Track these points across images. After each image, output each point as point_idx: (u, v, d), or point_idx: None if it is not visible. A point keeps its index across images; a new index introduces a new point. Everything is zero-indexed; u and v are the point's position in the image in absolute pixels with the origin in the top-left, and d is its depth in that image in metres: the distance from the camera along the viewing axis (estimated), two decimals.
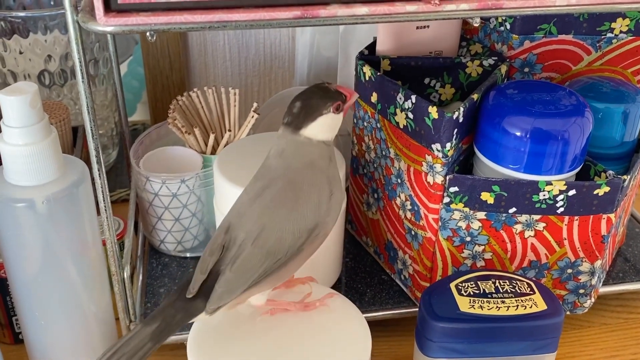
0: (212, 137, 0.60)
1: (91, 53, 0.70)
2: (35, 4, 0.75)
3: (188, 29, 0.41)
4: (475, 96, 0.51)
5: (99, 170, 0.47)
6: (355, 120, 0.60)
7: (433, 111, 0.49)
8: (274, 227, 0.42)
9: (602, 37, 0.56)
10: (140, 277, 0.60)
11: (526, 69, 0.57)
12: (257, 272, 0.42)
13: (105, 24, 0.40)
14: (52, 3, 0.76)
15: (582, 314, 0.61)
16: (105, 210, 0.48)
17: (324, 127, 0.44)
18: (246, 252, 0.42)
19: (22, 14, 0.66)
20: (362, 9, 0.42)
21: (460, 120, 0.49)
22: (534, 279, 0.52)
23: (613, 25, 0.55)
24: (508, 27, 0.56)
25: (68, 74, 0.71)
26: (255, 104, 0.63)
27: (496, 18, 0.57)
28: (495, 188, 0.50)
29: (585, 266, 0.54)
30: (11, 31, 0.67)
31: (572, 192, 0.50)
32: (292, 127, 0.44)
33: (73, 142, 0.67)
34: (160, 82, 0.78)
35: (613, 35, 0.56)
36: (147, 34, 0.41)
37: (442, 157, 0.49)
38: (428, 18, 0.44)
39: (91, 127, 0.45)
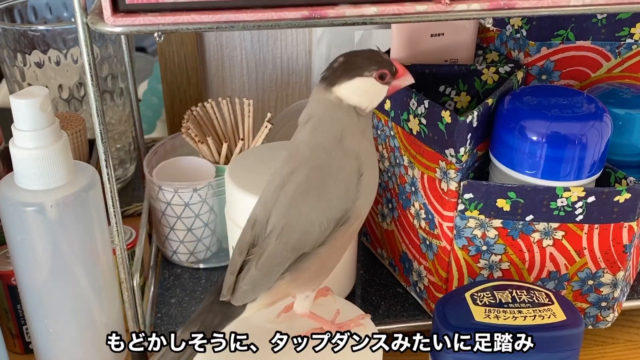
0: (225, 146, 0.60)
1: (109, 68, 0.71)
2: (56, 20, 0.76)
3: (196, 29, 0.41)
4: (490, 101, 0.50)
5: (108, 175, 0.47)
6: None
7: (446, 115, 0.48)
8: (299, 220, 0.40)
9: (622, 42, 0.55)
10: (152, 288, 0.60)
11: (543, 77, 0.56)
12: (283, 267, 0.41)
13: (113, 24, 0.40)
14: (72, 20, 0.77)
15: (605, 330, 0.58)
16: (115, 215, 0.48)
17: (360, 90, 0.41)
18: (270, 248, 0.40)
19: (41, 27, 0.67)
20: (370, 9, 0.42)
21: (474, 124, 0.48)
22: (553, 290, 0.50)
23: (632, 30, 0.54)
24: (524, 33, 0.55)
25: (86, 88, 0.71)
26: (269, 114, 0.63)
27: (512, 25, 0.56)
28: (511, 194, 0.48)
29: (607, 277, 0.52)
30: (31, 45, 0.68)
31: (591, 199, 0.48)
32: (326, 83, 0.41)
33: (89, 154, 0.68)
34: (177, 97, 0.79)
35: (633, 40, 0.55)
36: (155, 34, 0.41)
37: (456, 163, 0.48)
38: (439, 18, 0.43)
39: (100, 131, 0.45)
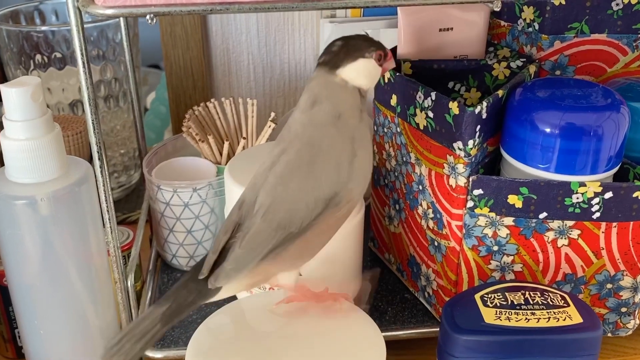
0: (226, 144, 0.58)
1: (114, 72, 0.70)
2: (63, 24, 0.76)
3: (189, 12, 0.40)
4: (500, 92, 0.47)
5: (100, 168, 0.45)
6: (375, 128, 0.57)
7: (454, 106, 0.46)
8: (285, 198, 0.39)
9: (639, 35, 0.52)
10: (150, 292, 0.57)
11: (557, 72, 0.54)
12: (267, 247, 0.39)
13: (104, 5, 0.39)
14: None
15: (627, 340, 0.55)
16: (108, 211, 0.46)
17: (364, 71, 0.41)
18: (255, 226, 0.39)
19: (45, 28, 0.66)
20: None
21: (484, 116, 0.46)
22: (569, 292, 0.47)
23: None
24: (536, 27, 0.53)
25: None
26: (273, 114, 0.61)
27: (524, 19, 0.54)
28: (524, 190, 0.46)
29: (626, 281, 0.49)
30: (35, 48, 0.67)
31: (608, 195, 0.45)
32: (328, 67, 0.41)
33: (90, 156, 0.66)
34: (183, 102, 0.77)
35: None
36: (147, 17, 0.40)
37: (465, 157, 0.46)
38: (443, 1, 0.41)
39: (92, 120, 0.44)
